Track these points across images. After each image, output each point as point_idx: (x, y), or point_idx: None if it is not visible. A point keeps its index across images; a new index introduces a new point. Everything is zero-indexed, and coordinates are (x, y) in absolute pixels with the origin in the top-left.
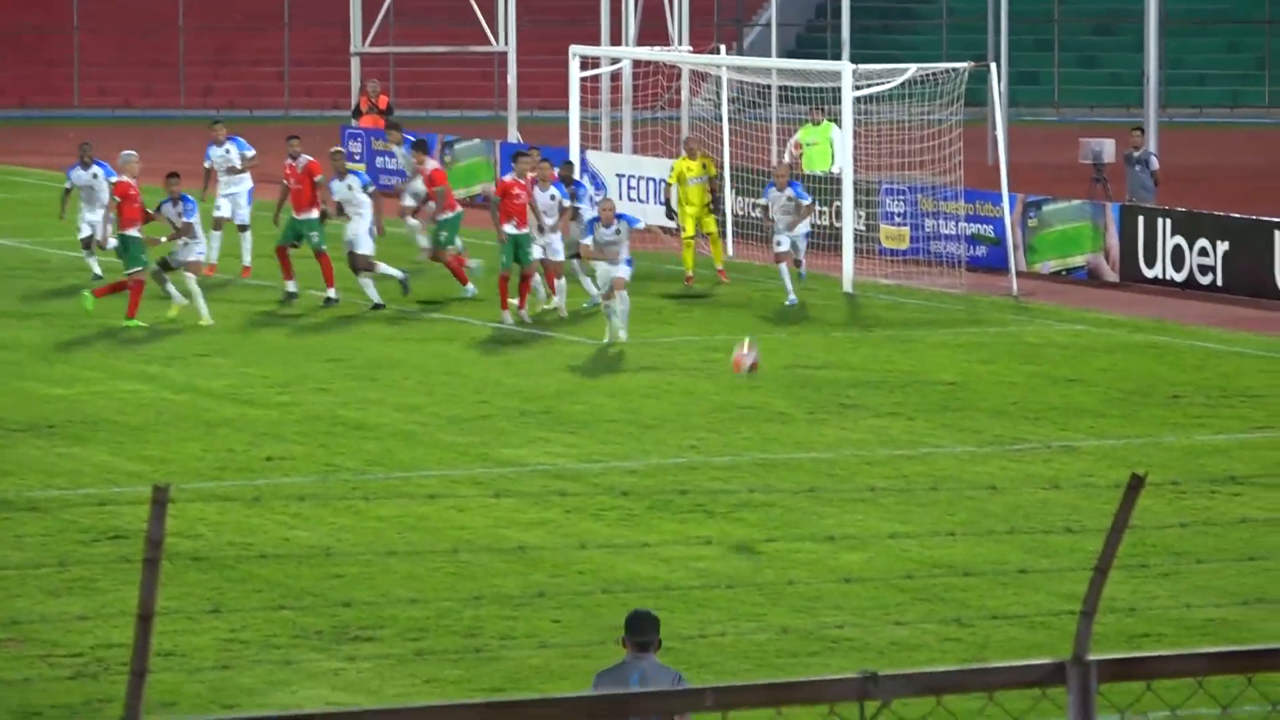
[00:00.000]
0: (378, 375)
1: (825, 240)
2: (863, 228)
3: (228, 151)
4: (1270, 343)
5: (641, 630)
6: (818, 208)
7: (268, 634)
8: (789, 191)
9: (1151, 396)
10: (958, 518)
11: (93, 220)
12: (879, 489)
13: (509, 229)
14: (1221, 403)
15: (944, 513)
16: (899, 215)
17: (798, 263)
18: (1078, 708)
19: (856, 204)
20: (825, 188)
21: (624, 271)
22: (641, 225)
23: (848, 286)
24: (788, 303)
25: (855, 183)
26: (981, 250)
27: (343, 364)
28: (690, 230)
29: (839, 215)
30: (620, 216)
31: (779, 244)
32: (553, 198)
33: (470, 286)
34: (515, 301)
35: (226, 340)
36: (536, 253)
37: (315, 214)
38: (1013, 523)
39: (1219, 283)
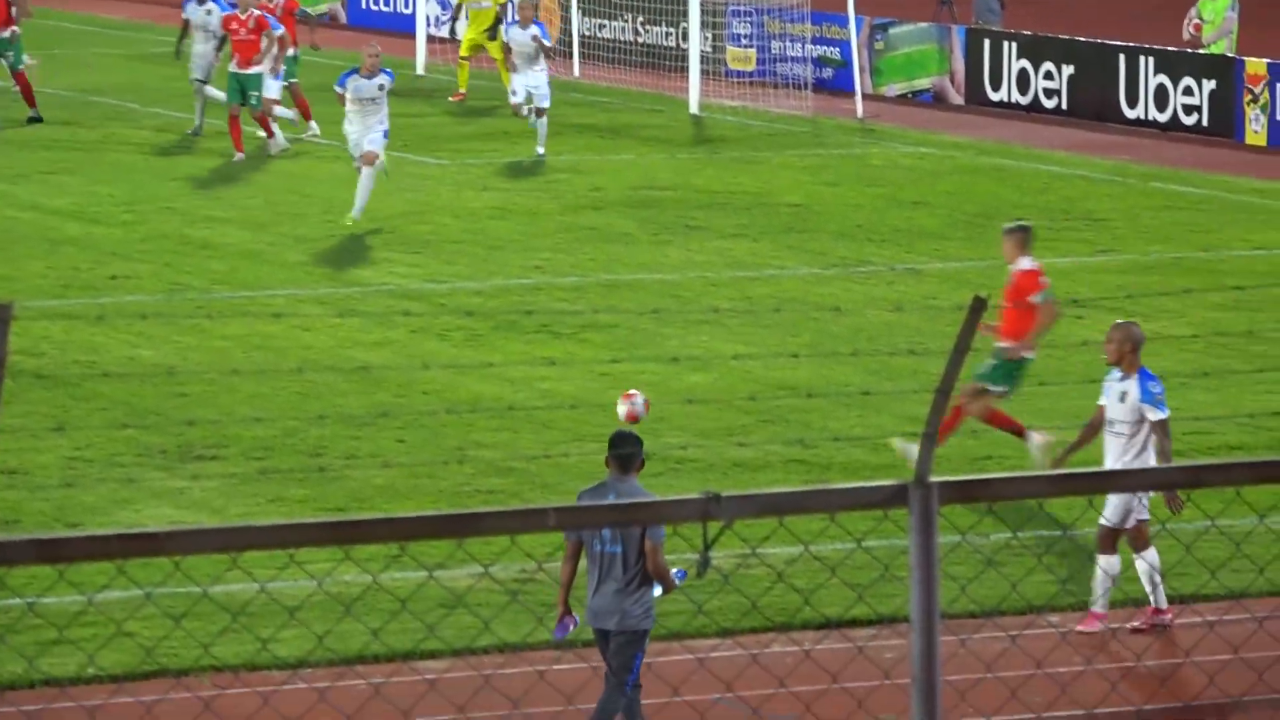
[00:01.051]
0: (224, 195)
1: (672, 61)
2: (709, 49)
3: (209, 13)
4: (1114, 166)
5: (623, 444)
6: (660, 29)
7: (112, 453)
8: (533, 30)
9: (995, 219)
10: (801, 339)
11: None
12: (723, 310)
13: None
14: (1065, 226)
15: (788, 334)
16: (745, 37)
17: (539, 112)
18: (920, 529)
19: (703, 25)
20: (671, 8)
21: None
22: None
23: (694, 108)
24: (537, 153)
25: (701, 3)
26: (828, 73)
27: (189, 182)
28: (467, 51)
29: (685, 36)
30: (384, 71)
31: (513, 93)
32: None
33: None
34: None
35: (74, 159)
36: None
37: (262, 69)
38: (856, 345)
39: (1064, 106)
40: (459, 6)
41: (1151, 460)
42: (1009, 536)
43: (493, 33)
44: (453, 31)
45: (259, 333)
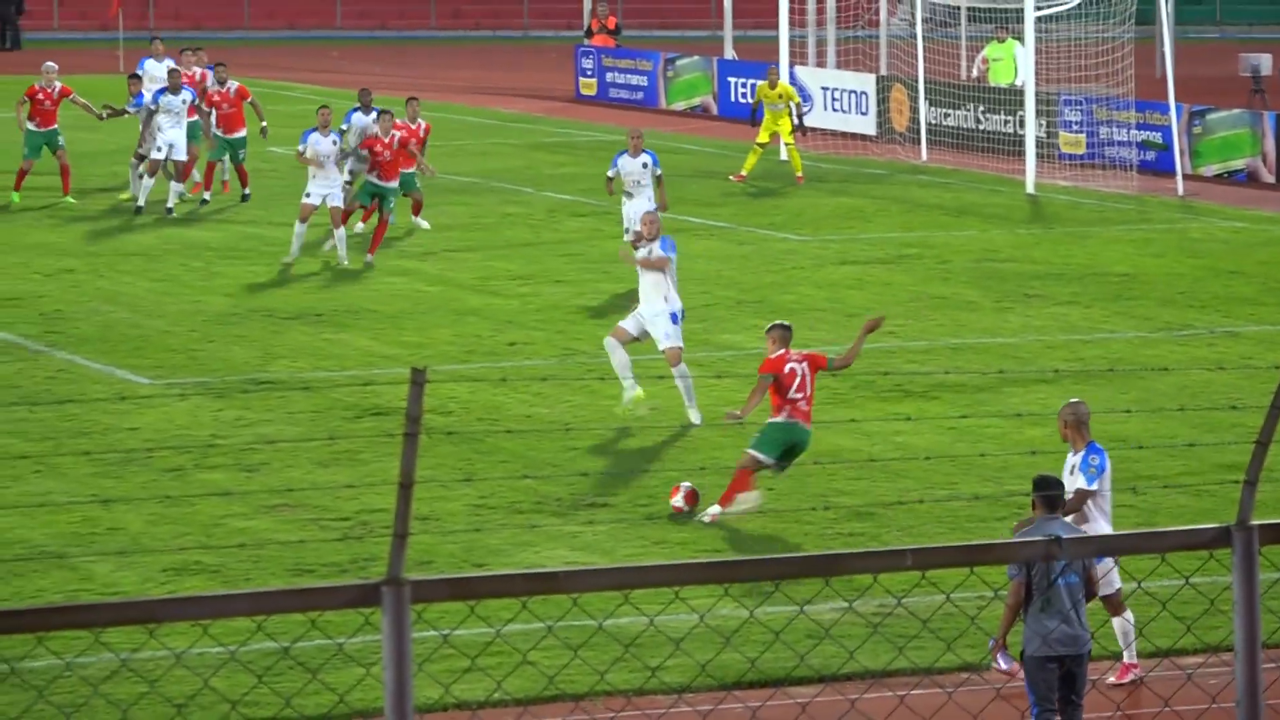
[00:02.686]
0: (610, 267)
1: (1009, 147)
2: (1043, 135)
3: (184, 101)
4: None
5: (1048, 485)
6: (999, 117)
7: (513, 500)
8: (644, 158)
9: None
10: (1130, 396)
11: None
12: (1060, 371)
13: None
14: None
15: (1118, 392)
16: (1076, 123)
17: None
18: (1242, 568)
19: (1038, 113)
20: (1010, 99)
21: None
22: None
23: (1030, 188)
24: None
25: (1036, 94)
26: (1151, 155)
27: (579, 258)
28: (763, 139)
29: (1022, 124)
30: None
31: (626, 227)
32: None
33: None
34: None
35: (475, 237)
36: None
37: (244, 133)
38: (1181, 401)
39: None
40: (757, 104)
41: (1102, 528)
42: None
43: (790, 124)
44: (752, 119)
45: (644, 392)
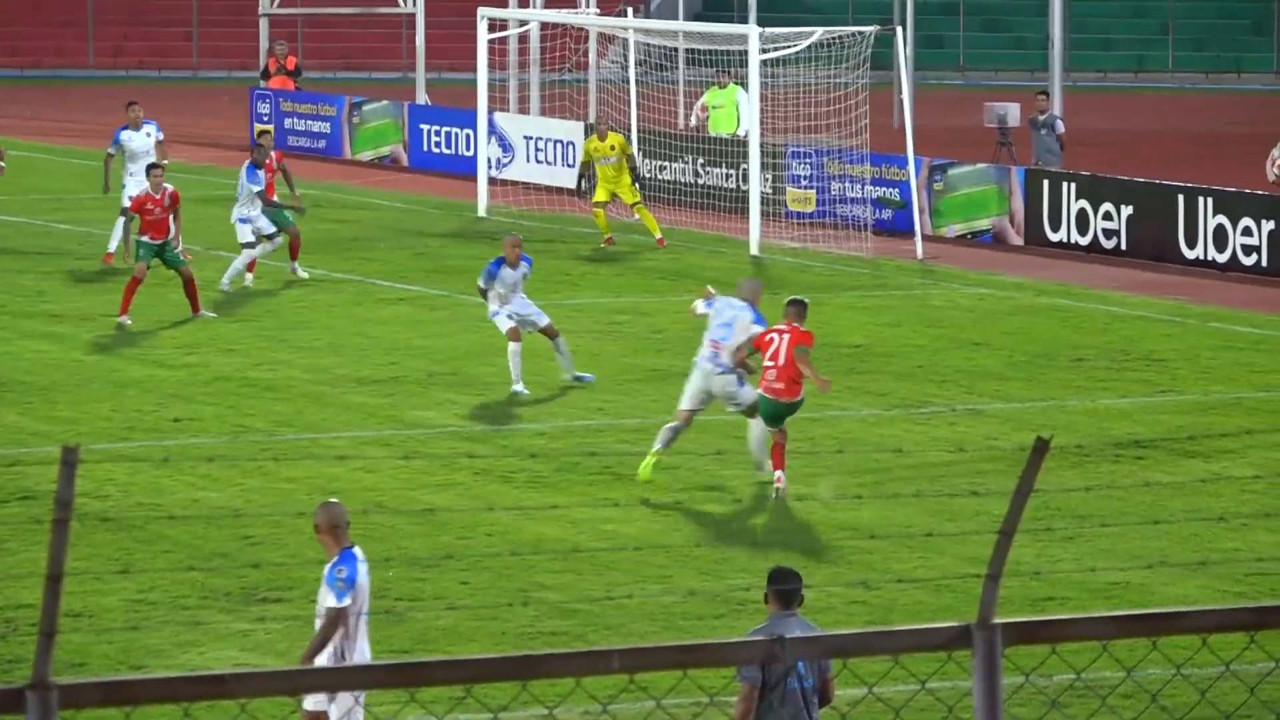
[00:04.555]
0: (287, 336)
1: (732, 203)
2: (769, 190)
3: (148, 135)
4: (1173, 307)
5: (784, 579)
6: (720, 170)
7: (176, 595)
8: (523, 269)
9: (1056, 360)
10: (863, 480)
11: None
12: (786, 451)
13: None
14: (1125, 366)
15: (849, 475)
16: (805, 178)
17: (551, 333)
18: (983, 671)
19: (763, 166)
20: (731, 150)
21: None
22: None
23: (754, 249)
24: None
25: (761, 145)
26: (887, 214)
27: (251, 324)
28: (602, 197)
29: (745, 178)
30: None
31: (500, 320)
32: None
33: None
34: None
35: (137, 302)
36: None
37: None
38: (918, 486)
39: (1123, 247)
40: (586, 164)
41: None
42: (1073, 678)
43: (630, 177)
44: (579, 187)
45: (323, 474)
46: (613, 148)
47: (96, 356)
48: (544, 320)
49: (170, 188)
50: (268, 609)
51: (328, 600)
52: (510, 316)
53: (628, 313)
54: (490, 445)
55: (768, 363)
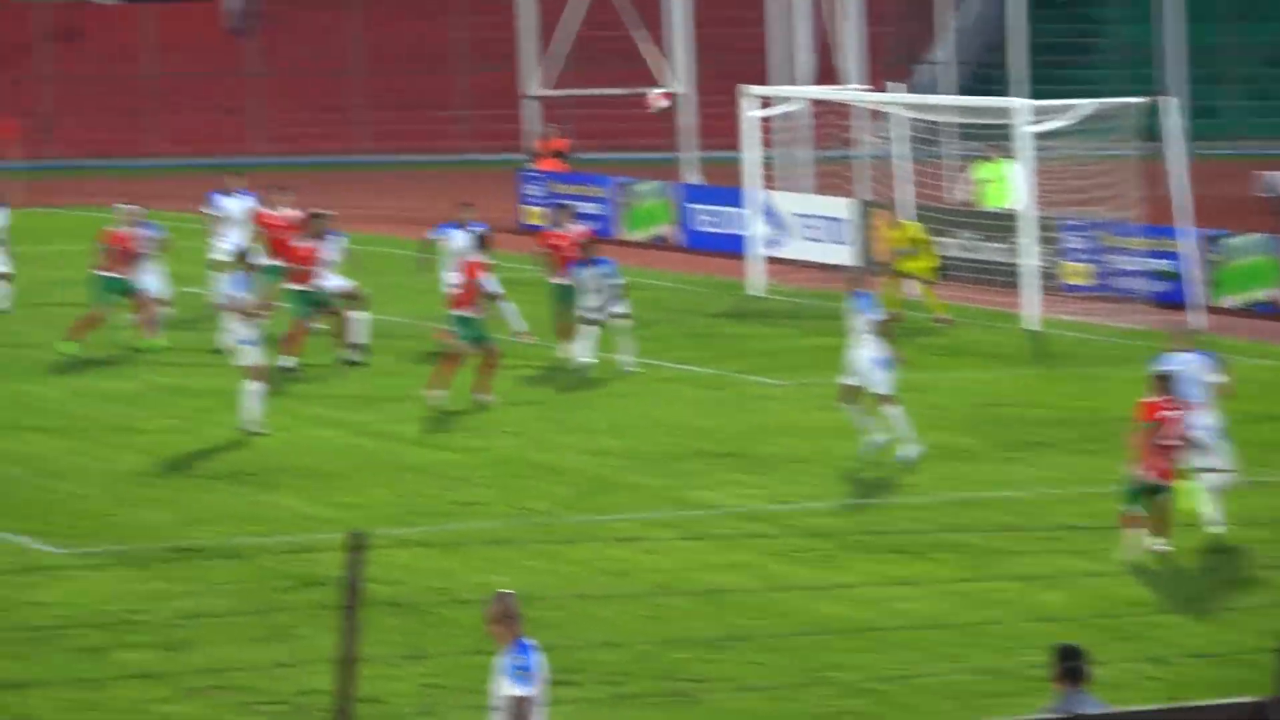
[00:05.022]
0: (566, 418)
1: (1005, 277)
2: (1045, 264)
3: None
4: None
5: (1073, 656)
6: (994, 245)
7: (468, 679)
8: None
9: None
10: (1148, 554)
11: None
12: (1073, 527)
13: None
14: None
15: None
16: (1081, 251)
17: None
18: None
19: (1039, 240)
20: (1003, 224)
21: None
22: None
23: (1033, 323)
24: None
25: (1036, 219)
26: (1164, 286)
27: (531, 407)
28: (929, 277)
29: (1018, 252)
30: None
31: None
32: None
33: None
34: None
35: (413, 385)
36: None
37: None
38: (1211, 560)
39: None
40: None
41: None
42: None
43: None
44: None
45: (608, 557)
46: (913, 241)
47: (376, 441)
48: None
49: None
50: (559, 692)
51: (512, 690)
52: None
53: (904, 389)
54: (777, 524)
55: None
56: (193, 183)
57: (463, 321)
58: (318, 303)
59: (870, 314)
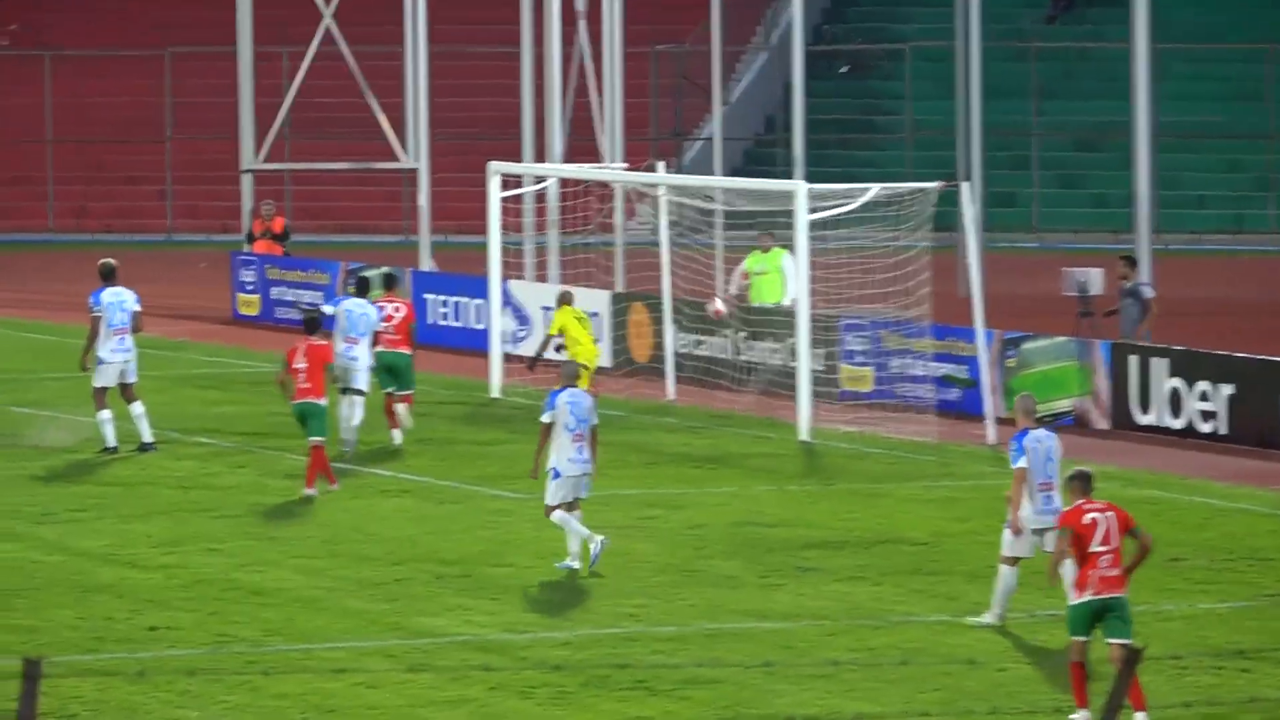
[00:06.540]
0: (276, 533)
1: (778, 382)
2: (821, 368)
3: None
4: None
5: None
6: (765, 345)
7: None
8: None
9: (1149, 559)
10: (931, 696)
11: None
12: (841, 663)
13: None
14: (1226, 566)
15: (916, 690)
16: (861, 353)
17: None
18: None
19: (814, 341)
20: (777, 322)
21: None
22: None
23: (804, 434)
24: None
25: (811, 317)
26: (954, 393)
27: (237, 520)
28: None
29: (793, 354)
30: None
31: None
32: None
33: None
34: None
35: (104, 494)
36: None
37: None
38: (994, 702)
39: (1222, 431)
40: (548, 339)
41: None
42: None
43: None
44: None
45: (318, 690)
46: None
47: (59, 556)
48: None
49: None
50: None
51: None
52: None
53: (660, 506)
54: (508, 656)
55: (1099, 548)
56: None
57: None
58: None
59: (586, 417)
